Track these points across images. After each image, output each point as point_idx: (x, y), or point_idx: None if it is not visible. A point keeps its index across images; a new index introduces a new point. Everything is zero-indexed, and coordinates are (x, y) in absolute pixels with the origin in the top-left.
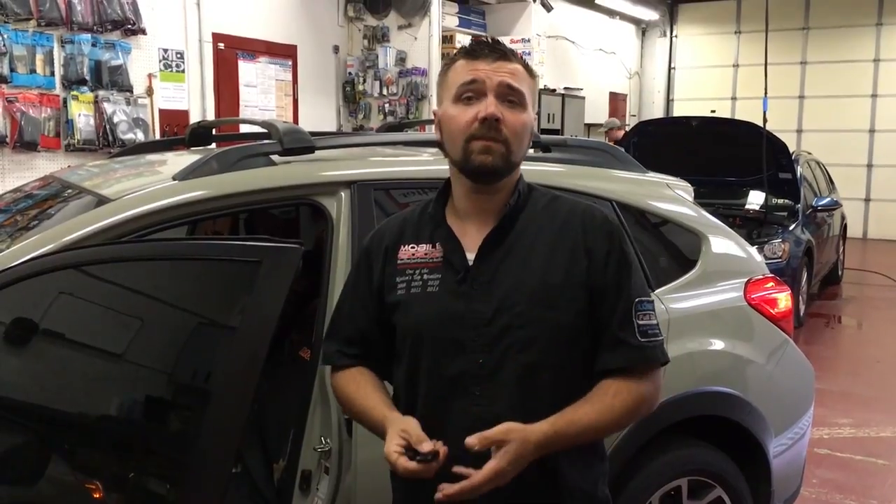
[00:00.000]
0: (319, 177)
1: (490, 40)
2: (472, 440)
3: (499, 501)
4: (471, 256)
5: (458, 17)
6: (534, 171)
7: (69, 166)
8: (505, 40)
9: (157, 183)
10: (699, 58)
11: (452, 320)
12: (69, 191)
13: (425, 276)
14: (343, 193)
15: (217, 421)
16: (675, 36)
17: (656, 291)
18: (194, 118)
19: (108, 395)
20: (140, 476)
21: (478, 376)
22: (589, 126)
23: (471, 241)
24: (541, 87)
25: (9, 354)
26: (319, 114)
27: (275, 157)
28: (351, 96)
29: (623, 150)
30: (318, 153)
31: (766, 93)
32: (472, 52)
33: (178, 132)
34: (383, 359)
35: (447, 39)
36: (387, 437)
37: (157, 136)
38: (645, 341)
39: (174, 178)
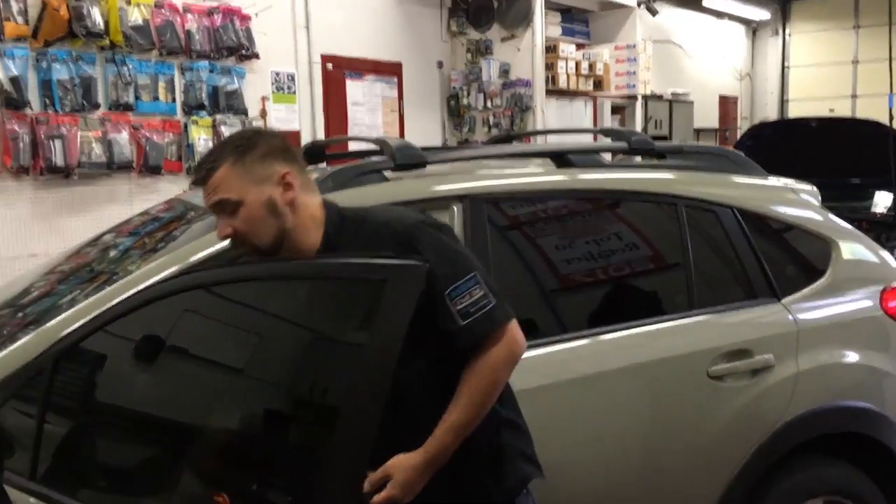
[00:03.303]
0: (432, 192)
1: (200, 160)
2: (366, 486)
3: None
4: None
5: (561, 27)
6: (643, 178)
7: (190, 188)
8: (609, 47)
9: None
10: (815, 55)
11: None
12: (192, 212)
13: None
14: (455, 207)
15: (346, 440)
16: (789, 34)
17: (783, 300)
18: (305, 138)
19: (237, 411)
20: (265, 489)
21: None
22: (698, 131)
23: None
24: (647, 92)
25: (140, 371)
26: (425, 129)
27: (387, 173)
28: (455, 110)
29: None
30: (429, 168)
31: (892, 89)
32: (193, 183)
33: None
34: None
35: (551, 49)
36: None
37: None
38: (469, 322)
39: None
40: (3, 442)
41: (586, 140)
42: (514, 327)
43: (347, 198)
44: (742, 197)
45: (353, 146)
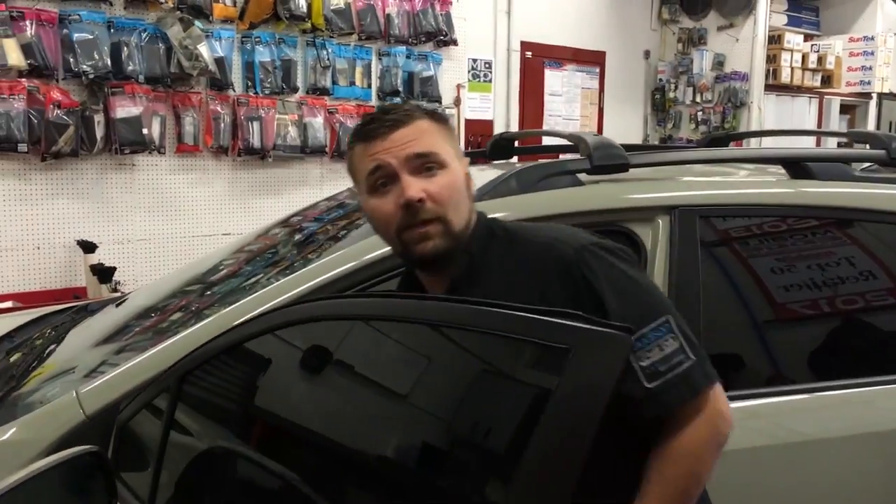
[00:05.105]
0: (633, 200)
1: (380, 108)
2: None
3: None
4: None
5: (787, 15)
6: (860, 194)
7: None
8: (843, 39)
9: None
10: None
11: None
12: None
13: None
14: (661, 220)
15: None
16: None
17: None
18: (498, 128)
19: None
20: None
21: None
22: None
23: None
24: (885, 90)
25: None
26: (626, 123)
27: (582, 176)
28: (660, 104)
29: None
30: (632, 172)
31: None
32: (364, 135)
33: (482, 143)
34: None
35: (774, 40)
36: None
37: (462, 147)
38: (659, 385)
39: None
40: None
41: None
42: (719, 395)
43: (531, 203)
44: None
45: (548, 142)
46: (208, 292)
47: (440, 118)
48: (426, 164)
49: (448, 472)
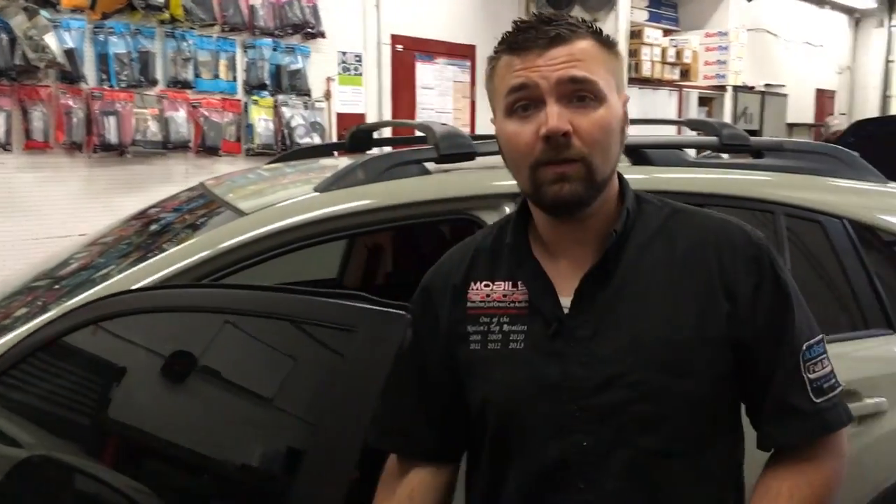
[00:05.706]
0: (479, 188)
1: (537, 15)
2: None
3: None
4: (565, 302)
5: (648, 11)
6: (735, 180)
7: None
8: (698, 34)
9: (299, 195)
10: None
11: (544, 390)
12: (212, 202)
13: (506, 328)
14: (507, 207)
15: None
16: (894, 25)
17: None
18: (371, 121)
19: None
20: None
21: (582, 464)
22: (791, 126)
23: (564, 280)
24: (738, 83)
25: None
26: None
27: (430, 165)
28: None
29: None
30: (479, 160)
31: None
32: (515, 44)
33: None
34: (458, 443)
35: (635, 35)
36: None
37: (335, 141)
38: (822, 402)
39: (315, 190)
40: None
41: (669, 133)
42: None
43: (379, 193)
44: (854, 206)
45: (408, 134)
46: (55, 286)
47: (608, 42)
48: (580, 92)
49: (243, 451)
